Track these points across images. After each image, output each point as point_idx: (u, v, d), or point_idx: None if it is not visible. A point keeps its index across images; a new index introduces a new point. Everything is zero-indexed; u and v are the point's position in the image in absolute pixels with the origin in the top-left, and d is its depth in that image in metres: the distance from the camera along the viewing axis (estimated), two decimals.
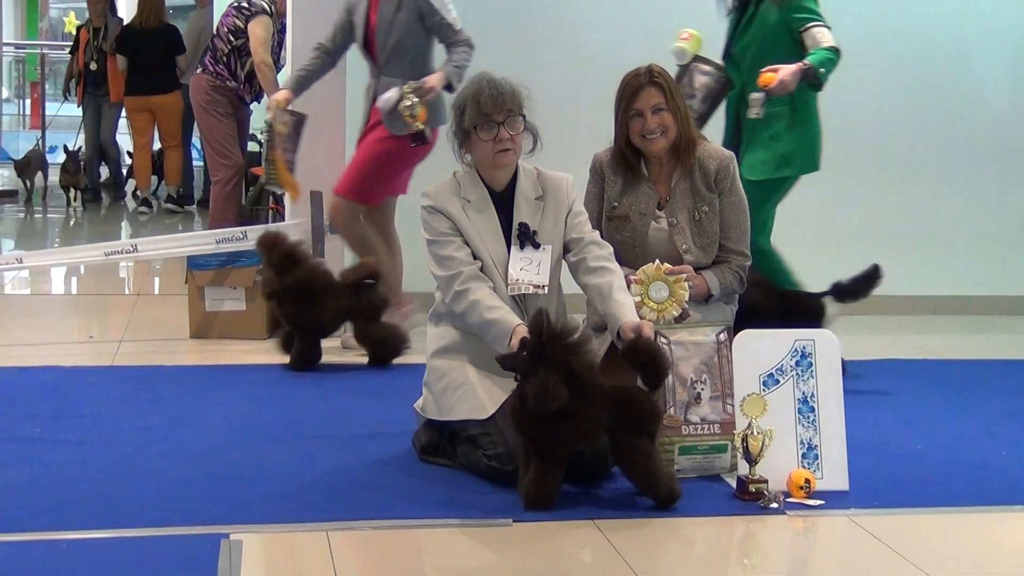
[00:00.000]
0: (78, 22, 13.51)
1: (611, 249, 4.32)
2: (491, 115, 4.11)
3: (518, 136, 4.19)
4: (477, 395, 4.11)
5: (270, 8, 7.83)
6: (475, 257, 4.18)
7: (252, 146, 9.81)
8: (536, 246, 4.21)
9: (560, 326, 3.73)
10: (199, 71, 8.01)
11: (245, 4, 7.93)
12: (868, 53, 7.62)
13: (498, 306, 4.03)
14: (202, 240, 6.28)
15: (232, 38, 7.86)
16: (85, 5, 12.36)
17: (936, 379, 5.94)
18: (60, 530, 3.48)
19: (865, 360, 6.14)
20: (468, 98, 4.16)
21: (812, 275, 7.56)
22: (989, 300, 7.90)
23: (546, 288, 4.14)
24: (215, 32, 8.10)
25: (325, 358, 5.75)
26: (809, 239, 7.54)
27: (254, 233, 6.17)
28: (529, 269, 4.16)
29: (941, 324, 7.56)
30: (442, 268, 4.17)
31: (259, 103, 8.40)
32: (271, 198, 8.81)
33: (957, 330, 7.43)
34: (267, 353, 5.92)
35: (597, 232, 4.39)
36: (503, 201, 4.26)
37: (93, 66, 11.73)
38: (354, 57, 6.37)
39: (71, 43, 12.85)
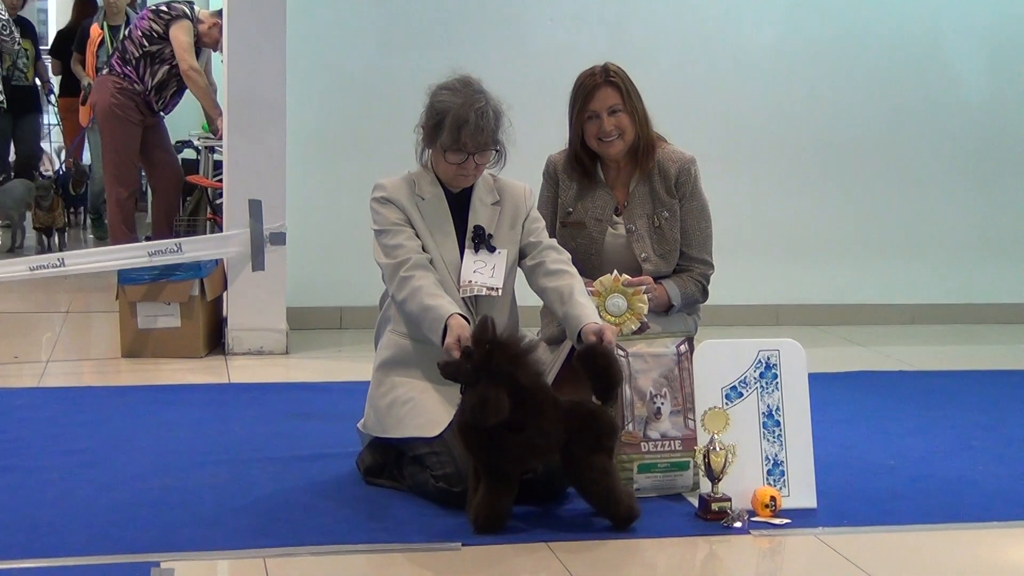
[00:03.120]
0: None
1: (569, 256, 4.35)
2: (466, 147, 4.13)
3: (484, 165, 4.23)
4: (426, 411, 4.12)
5: (191, 13, 7.87)
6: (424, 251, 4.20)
7: (188, 153, 9.84)
8: (491, 249, 4.24)
9: (506, 335, 3.75)
10: (105, 72, 8.04)
11: (164, 8, 7.97)
12: (843, 58, 7.75)
13: (440, 294, 4.05)
14: (134, 253, 6.26)
15: (145, 42, 7.89)
16: None
17: (911, 392, 6.01)
18: None
19: (836, 372, 6.19)
20: (449, 118, 4.11)
21: (788, 284, 7.68)
22: (968, 309, 8.00)
23: (499, 291, 4.17)
24: (127, 35, 8.13)
25: (266, 378, 5.75)
26: (784, 247, 7.65)
27: (189, 245, 6.18)
28: (483, 272, 4.18)
29: (918, 334, 7.64)
30: (389, 257, 4.18)
31: (166, 114, 8.41)
32: (209, 208, 8.83)
33: (934, 340, 7.51)
34: (204, 372, 5.93)
35: (555, 239, 4.42)
36: (458, 203, 4.29)
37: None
38: (293, 54, 6.39)
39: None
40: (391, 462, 4.24)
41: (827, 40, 7.75)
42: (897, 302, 7.93)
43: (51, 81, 11.05)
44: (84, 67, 9.78)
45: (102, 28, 9.42)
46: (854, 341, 7.27)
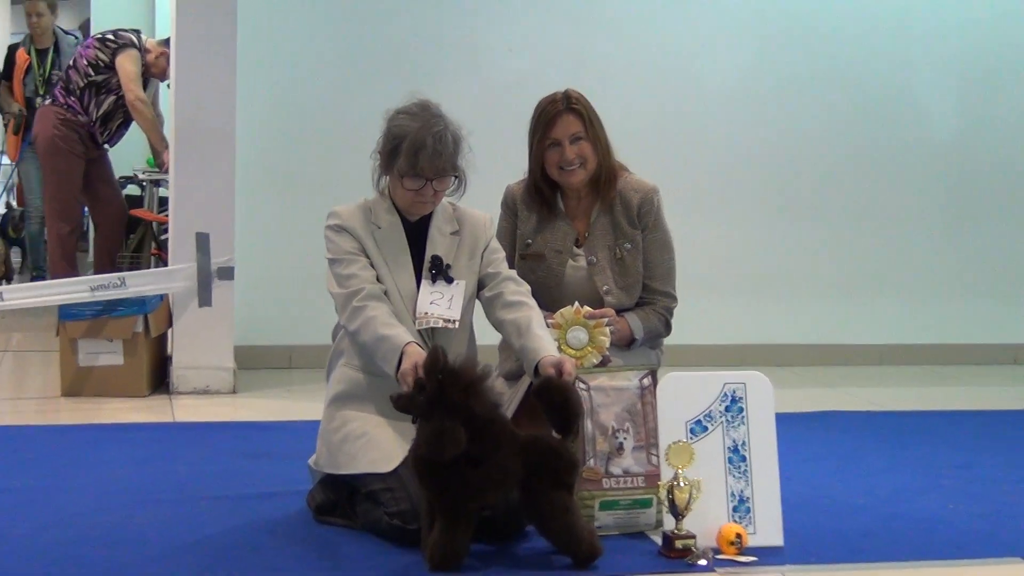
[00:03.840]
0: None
1: (529, 288, 4.35)
2: (424, 172, 4.14)
3: (443, 192, 4.23)
4: (380, 445, 4.10)
5: (138, 42, 7.87)
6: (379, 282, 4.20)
7: (132, 189, 9.81)
8: (449, 280, 4.23)
9: (458, 363, 3.73)
10: (48, 102, 8.02)
11: (111, 36, 7.96)
12: (811, 94, 7.83)
13: (395, 324, 4.05)
14: (75, 287, 6.22)
15: (91, 71, 7.88)
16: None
17: (880, 431, 6.04)
18: None
19: (803, 412, 6.21)
20: (407, 143, 4.11)
21: (754, 323, 7.71)
22: (937, 349, 8.06)
23: (457, 323, 4.17)
24: (71, 63, 8.10)
25: (212, 417, 5.72)
26: (748, 286, 7.68)
27: (133, 279, 6.16)
28: (440, 303, 4.18)
29: (886, 374, 7.69)
30: (342, 286, 4.17)
31: (111, 146, 8.38)
32: (154, 244, 8.80)
33: (902, 381, 7.56)
34: (148, 411, 5.90)
35: (515, 271, 4.42)
36: (416, 232, 4.29)
37: (38, 102, 9.17)
38: (243, 86, 6.39)
39: None
40: (343, 499, 4.21)
41: (794, 75, 7.83)
42: (864, 342, 7.98)
43: None
44: (12, 95, 9.53)
45: (29, 53, 9.29)
46: (821, 382, 7.31)
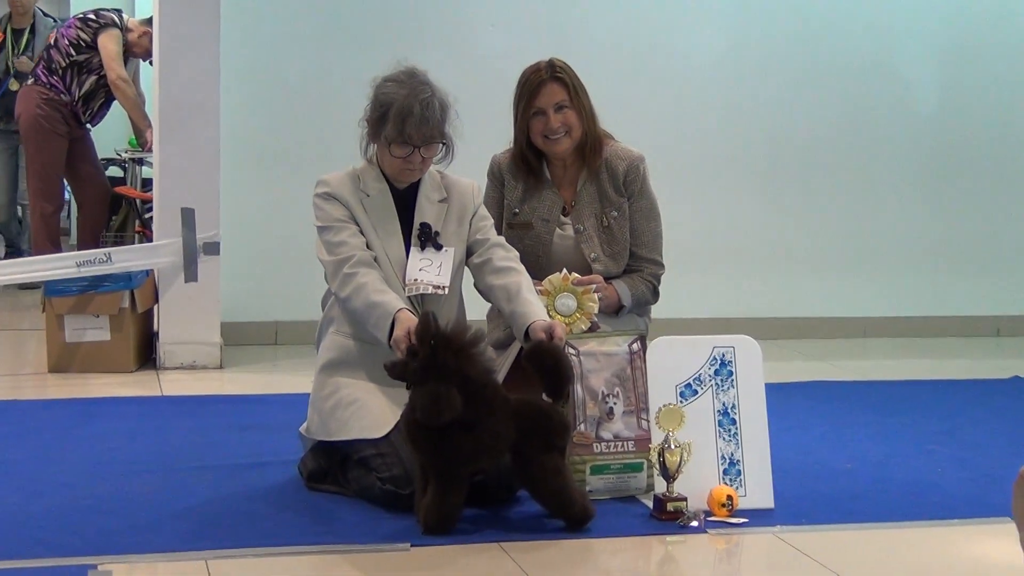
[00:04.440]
0: None
1: (517, 253, 4.36)
2: (411, 139, 4.13)
3: (431, 159, 4.24)
4: (371, 412, 4.11)
5: (120, 21, 7.86)
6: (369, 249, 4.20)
7: (115, 171, 9.79)
8: (437, 247, 4.24)
9: (450, 329, 3.74)
10: (31, 82, 8.00)
11: (92, 16, 7.95)
12: (792, 67, 7.85)
13: (386, 290, 4.06)
14: (61, 263, 6.21)
15: (73, 51, 7.87)
16: None
17: (867, 400, 6.06)
18: None
19: (791, 382, 6.25)
20: (394, 110, 4.11)
21: (737, 296, 7.73)
22: (922, 321, 8.08)
23: (446, 289, 4.18)
24: (52, 43, 8.07)
25: (201, 390, 5.72)
26: (732, 259, 7.69)
27: (119, 255, 6.15)
28: (429, 270, 4.19)
29: (871, 346, 7.72)
30: (332, 254, 4.17)
31: (93, 126, 8.34)
32: (138, 222, 8.79)
33: (889, 353, 7.59)
34: (136, 386, 5.90)
35: (503, 238, 4.43)
36: (404, 200, 4.29)
37: (13, 84, 8.86)
38: (226, 61, 6.39)
39: None
40: (335, 466, 4.22)
41: (775, 48, 7.84)
42: (848, 315, 8.01)
43: None
44: None
45: (4, 31, 9.12)
46: (806, 354, 7.34)
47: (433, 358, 3.69)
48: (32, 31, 8.83)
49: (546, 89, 4.68)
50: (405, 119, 4.10)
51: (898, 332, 8.03)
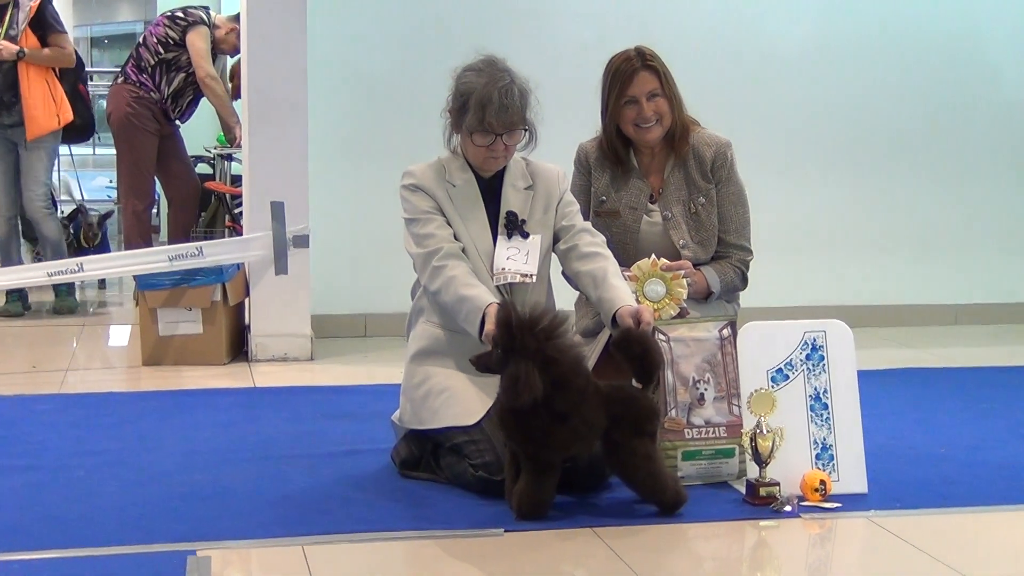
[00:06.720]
0: None
1: (604, 238, 4.37)
2: (492, 127, 4.14)
3: (514, 146, 4.25)
4: (462, 400, 4.14)
5: (207, 19, 7.93)
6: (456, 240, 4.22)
7: (203, 168, 9.88)
8: (524, 235, 4.25)
9: (528, 312, 3.72)
10: (120, 81, 8.07)
11: (180, 14, 8.02)
12: (879, 54, 7.78)
13: (475, 284, 4.07)
14: (153, 258, 6.30)
15: (161, 49, 7.94)
16: None
17: (958, 386, 6.02)
18: (12, 551, 3.50)
19: (882, 369, 6.21)
20: (474, 99, 4.13)
21: (826, 284, 7.68)
22: (1012, 308, 7.99)
23: (534, 277, 4.18)
24: (141, 41, 8.15)
25: (293, 381, 5.77)
26: (822, 247, 7.65)
27: (210, 249, 6.22)
28: (516, 259, 4.20)
29: (962, 334, 7.64)
30: (421, 246, 4.20)
31: (182, 123, 8.40)
32: (228, 217, 8.87)
33: (979, 340, 7.49)
34: (229, 378, 5.96)
35: (589, 223, 4.44)
36: (490, 189, 4.31)
37: None
38: (313, 55, 6.44)
39: None
40: (427, 454, 4.25)
41: (862, 36, 7.77)
42: (940, 302, 7.93)
43: None
44: None
45: None
46: (897, 341, 7.28)
47: (511, 341, 3.70)
48: (15, 5, 8.41)
49: (639, 78, 4.67)
50: (485, 107, 4.11)
51: (989, 319, 7.94)
